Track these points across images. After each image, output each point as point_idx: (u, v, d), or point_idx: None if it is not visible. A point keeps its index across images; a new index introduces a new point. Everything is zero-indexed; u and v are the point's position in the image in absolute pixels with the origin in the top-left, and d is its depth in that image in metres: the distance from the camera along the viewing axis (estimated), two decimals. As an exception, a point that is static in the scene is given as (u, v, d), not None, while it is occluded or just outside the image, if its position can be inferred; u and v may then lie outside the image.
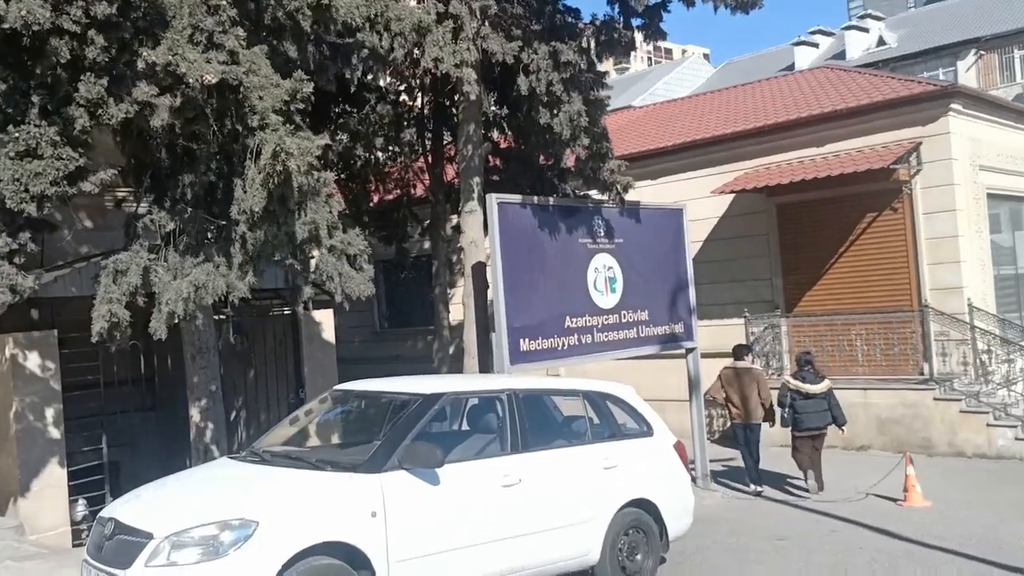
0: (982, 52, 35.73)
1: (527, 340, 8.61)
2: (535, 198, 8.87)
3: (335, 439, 6.84)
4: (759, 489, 10.57)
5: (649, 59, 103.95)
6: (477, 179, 9.28)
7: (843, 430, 10.49)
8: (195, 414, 8.88)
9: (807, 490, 10.35)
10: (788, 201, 14.76)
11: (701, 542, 8.32)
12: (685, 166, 16.14)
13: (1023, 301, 15.97)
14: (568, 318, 9.09)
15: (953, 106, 13.26)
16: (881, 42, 40.44)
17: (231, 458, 6.44)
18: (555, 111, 8.24)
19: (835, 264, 14.44)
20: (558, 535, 6.04)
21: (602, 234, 9.61)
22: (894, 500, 9.83)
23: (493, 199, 8.45)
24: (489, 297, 9.08)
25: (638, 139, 18.06)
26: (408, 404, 5.82)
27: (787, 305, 14.92)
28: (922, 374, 13.02)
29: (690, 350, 10.80)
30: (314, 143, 5.98)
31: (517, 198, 8.82)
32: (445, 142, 13.04)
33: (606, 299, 9.56)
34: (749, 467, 10.75)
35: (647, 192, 16.47)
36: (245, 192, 6.27)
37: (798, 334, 14.50)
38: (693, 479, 10.69)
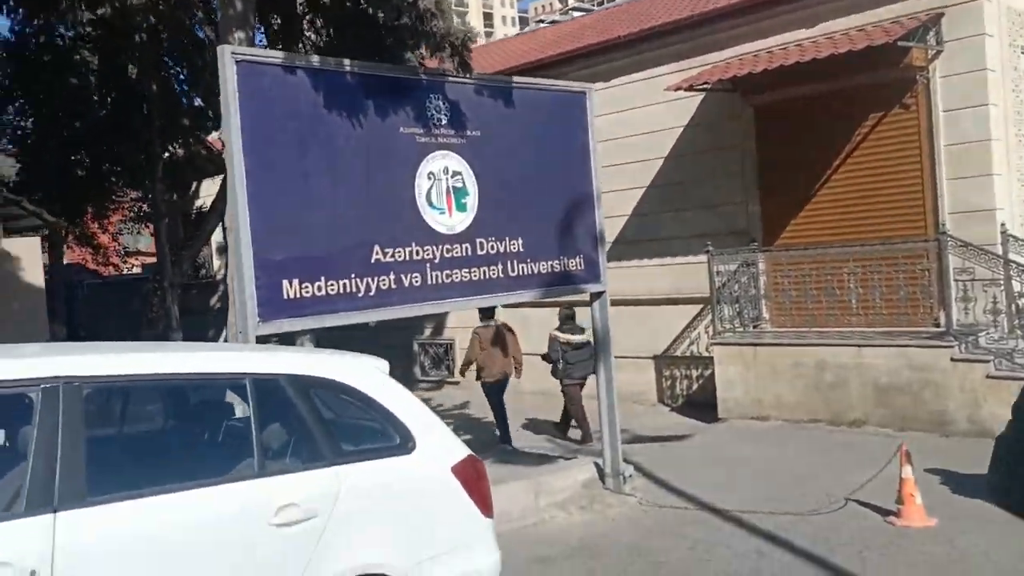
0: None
1: (296, 282, 5.48)
2: (315, 58, 5.65)
3: None
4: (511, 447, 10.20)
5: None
6: (240, 35, 6.06)
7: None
8: None
9: (578, 441, 10.44)
10: (769, 101, 11.38)
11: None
12: (641, 63, 12.79)
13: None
14: (378, 249, 5.92)
15: (988, -39, 9.75)
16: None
17: None
18: None
19: (828, 182, 11.11)
20: None
21: (443, 122, 6.38)
22: (884, 514, 6.68)
23: (226, 53, 5.23)
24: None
25: (595, 36, 14.63)
26: None
27: (766, 237, 11.64)
28: (936, 325, 9.74)
29: (596, 295, 7.58)
30: None
31: (275, 56, 5.59)
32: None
33: (448, 220, 6.37)
34: (503, 426, 10.56)
35: (598, 97, 13.15)
36: None
37: (776, 274, 11.22)
38: (602, 478, 7.66)
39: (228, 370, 3.55)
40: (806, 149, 11.14)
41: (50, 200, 12.46)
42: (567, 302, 10.13)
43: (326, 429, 3.62)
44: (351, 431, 3.80)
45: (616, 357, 13.15)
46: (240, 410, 3.58)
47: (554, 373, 10.63)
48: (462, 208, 6.46)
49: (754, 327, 11.39)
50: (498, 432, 10.55)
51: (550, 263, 7.04)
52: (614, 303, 13.06)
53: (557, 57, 13.62)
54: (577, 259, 7.27)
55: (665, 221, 12.61)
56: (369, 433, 3.82)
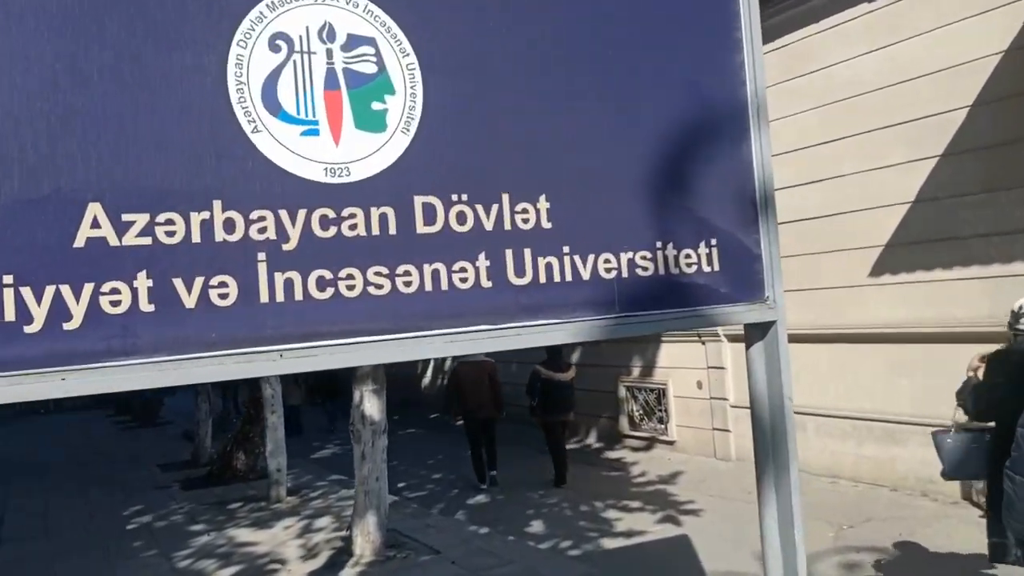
0: None
1: None
2: None
3: None
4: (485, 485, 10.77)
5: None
6: None
7: (572, 415, 10.83)
8: None
9: (554, 483, 10.44)
10: None
11: None
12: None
13: None
14: (99, 212, 2.35)
15: None
16: None
17: None
18: None
19: None
20: None
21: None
22: None
23: None
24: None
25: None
26: None
27: None
28: None
29: (758, 328, 3.37)
30: None
31: None
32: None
33: (330, 149, 2.64)
34: (488, 460, 10.46)
35: (855, 26, 8.69)
36: None
37: None
38: None
39: None
40: None
41: None
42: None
43: None
44: None
45: (888, 422, 8.55)
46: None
47: (532, 410, 10.54)
48: (373, 124, 2.71)
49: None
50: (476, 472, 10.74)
51: (628, 257, 3.03)
52: (884, 339, 8.45)
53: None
54: (705, 252, 3.18)
55: (971, 209, 7.80)
56: None
